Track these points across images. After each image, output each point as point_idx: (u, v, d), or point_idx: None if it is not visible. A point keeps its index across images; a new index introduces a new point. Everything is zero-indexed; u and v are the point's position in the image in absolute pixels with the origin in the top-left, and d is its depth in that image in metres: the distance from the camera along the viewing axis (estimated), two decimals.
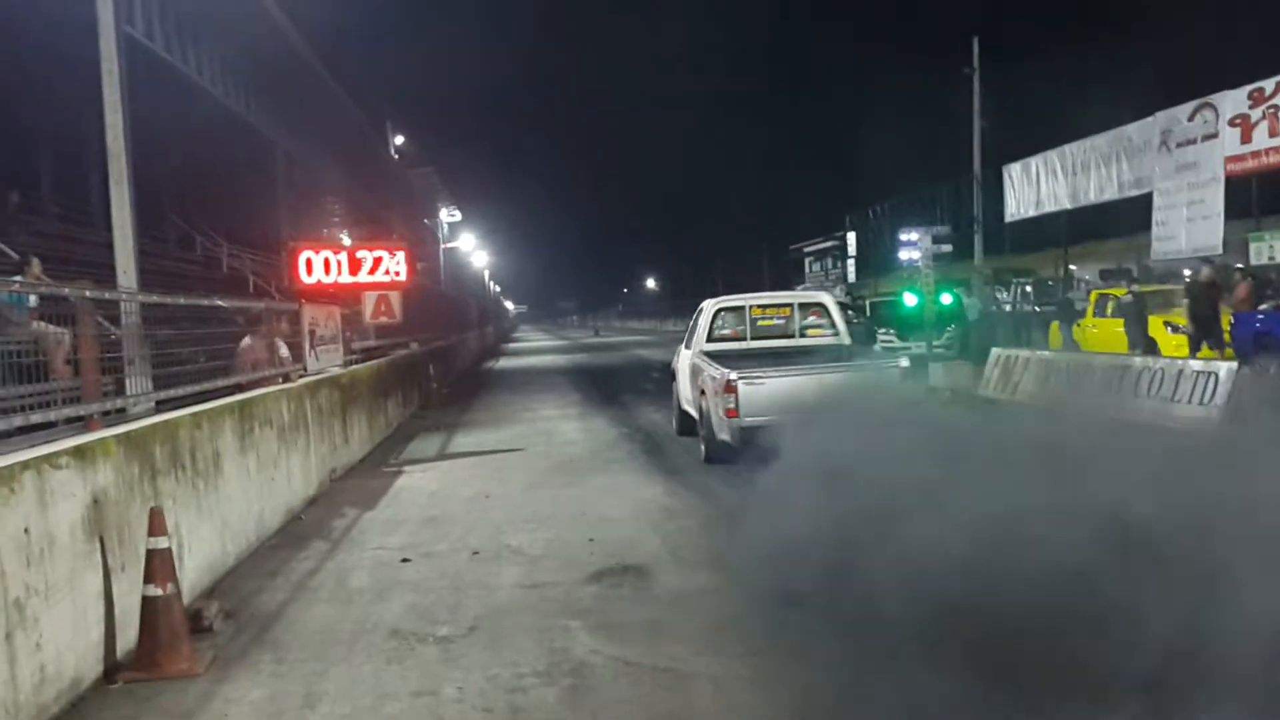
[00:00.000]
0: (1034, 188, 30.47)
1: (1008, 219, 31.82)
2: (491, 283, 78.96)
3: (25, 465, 5.54)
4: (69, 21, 15.46)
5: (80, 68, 15.58)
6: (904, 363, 13.51)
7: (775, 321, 15.25)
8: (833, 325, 15.15)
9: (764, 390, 12.15)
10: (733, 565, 7.80)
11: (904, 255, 23.81)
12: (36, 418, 6.42)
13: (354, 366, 16.28)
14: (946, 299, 24.87)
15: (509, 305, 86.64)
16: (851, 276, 40.81)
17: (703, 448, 13.37)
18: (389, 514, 11.38)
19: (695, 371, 14.40)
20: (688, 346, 15.58)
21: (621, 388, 25.75)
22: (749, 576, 7.25)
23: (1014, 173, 31.51)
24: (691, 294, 42.71)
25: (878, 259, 36.46)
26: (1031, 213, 30.93)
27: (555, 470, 13.63)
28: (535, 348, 66.64)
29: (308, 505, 11.74)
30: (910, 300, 24.08)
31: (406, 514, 11.28)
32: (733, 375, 12.32)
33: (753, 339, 14.98)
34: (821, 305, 15.67)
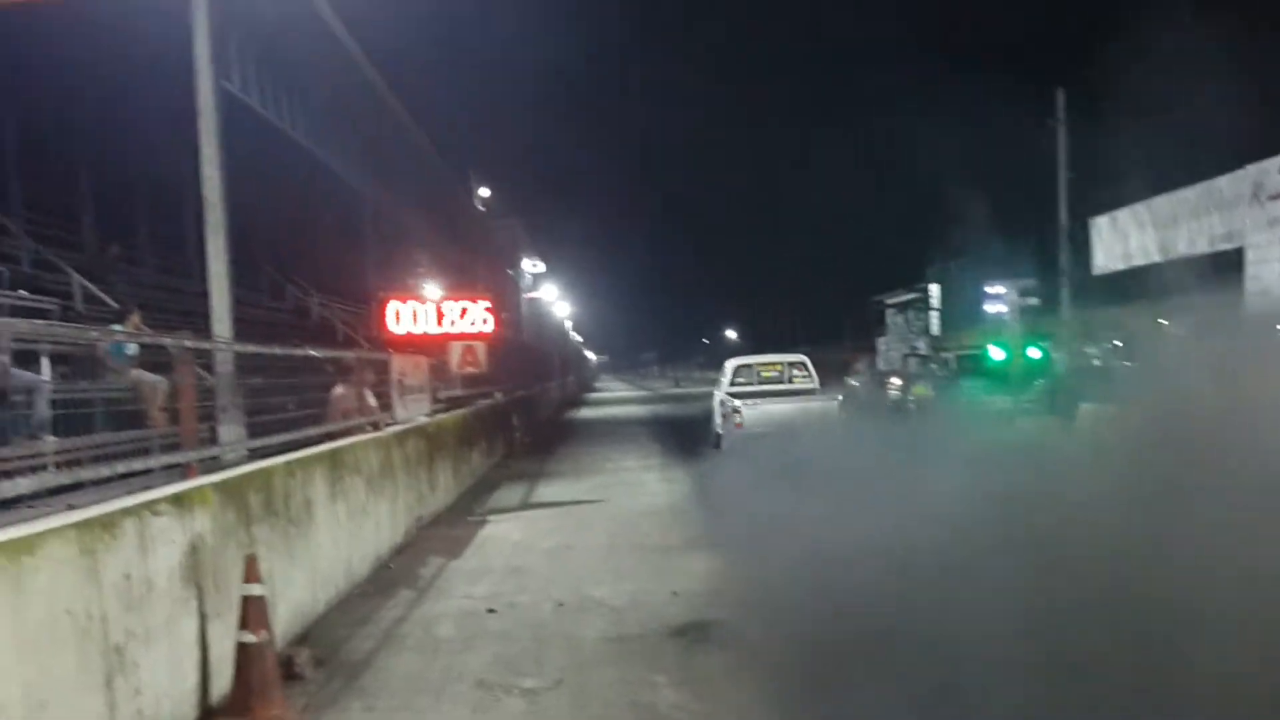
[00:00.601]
0: (1122, 240, 29.97)
1: (1095, 272, 31.29)
2: (573, 333, 79.44)
3: (127, 512, 5.68)
4: (168, 78, 15.98)
5: (178, 122, 16.06)
6: (839, 398, 21.22)
7: (772, 373, 22.38)
8: (809, 376, 22.19)
9: (758, 412, 19.26)
10: (813, 616, 7.72)
11: (990, 308, 23.52)
12: (138, 465, 6.58)
13: (440, 416, 16.46)
14: (1034, 353, 24.47)
15: (590, 355, 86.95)
16: (935, 329, 40.32)
17: (721, 445, 20.51)
18: (474, 563, 11.45)
19: (721, 404, 21.40)
20: (718, 390, 22.60)
21: (701, 439, 25.70)
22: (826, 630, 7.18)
23: (1101, 225, 31.02)
24: (771, 345, 42.48)
25: (962, 312, 36.07)
26: (1120, 266, 30.39)
27: (637, 522, 13.63)
28: (616, 398, 66.80)
29: (395, 553, 11.86)
30: (997, 354, 23.75)
31: (491, 564, 11.34)
32: (738, 402, 19.73)
33: (758, 384, 21.85)
34: (803, 362, 22.66)
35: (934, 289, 40.79)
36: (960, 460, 9.68)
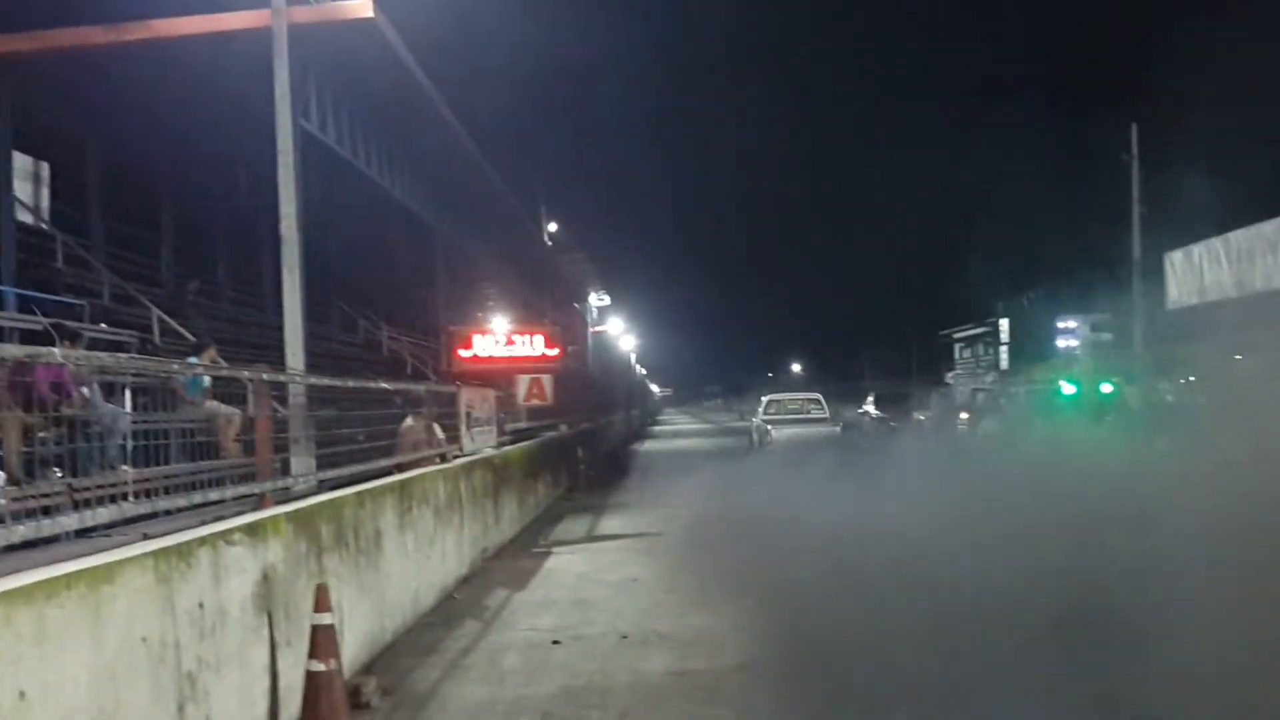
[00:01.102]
0: (1197, 275, 29.53)
1: (1169, 307, 30.84)
2: (638, 365, 79.58)
3: (201, 541, 5.80)
4: (246, 116, 16.40)
5: (255, 160, 16.48)
6: (839, 425, 30.99)
7: (795, 405, 32.19)
8: (822, 408, 31.66)
9: (782, 433, 29.03)
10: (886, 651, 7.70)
11: (1061, 343, 23.24)
12: (214, 495, 6.72)
13: (506, 448, 16.59)
14: (1106, 388, 24.12)
15: (654, 388, 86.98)
16: (1004, 363, 39.87)
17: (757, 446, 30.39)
18: (539, 595, 11.50)
19: (757, 426, 31.74)
20: (756, 416, 33.30)
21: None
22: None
23: (1175, 260, 30.60)
24: (836, 379, 42.27)
25: (1033, 346, 35.63)
26: (1194, 301, 29.92)
27: (701, 555, 13.57)
28: (680, 430, 66.69)
29: (460, 584, 11.95)
30: (1068, 389, 23.43)
31: (556, 595, 11.38)
32: (769, 427, 30.35)
33: (784, 414, 31.37)
34: (818, 399, 32.64)
35: (1003, 323, 40.39)
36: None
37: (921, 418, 31.72)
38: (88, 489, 7.47)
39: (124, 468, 8.68)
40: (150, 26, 16.49)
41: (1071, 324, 22.66)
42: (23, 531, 4.60)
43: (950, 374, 43.22)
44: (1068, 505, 12.22)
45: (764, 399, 33.80)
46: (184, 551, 5.54)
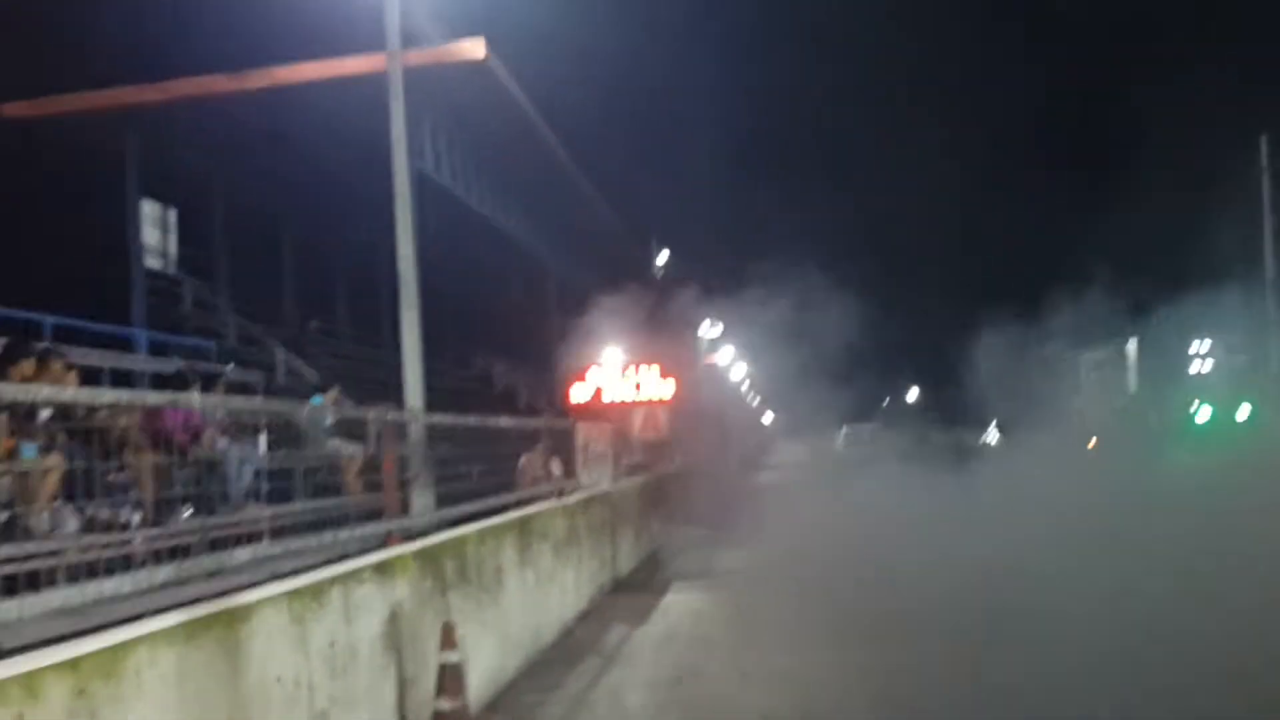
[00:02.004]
0: None
1: None
2: (750, 394, 79.17)
3: (334, 580, 5.88)
4: (363, 159, 16.77)
5: (372, 201, 16.84)
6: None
7: (861, 432, 47.62)
8: (872, 434, 44.51)
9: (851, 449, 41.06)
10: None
11: (1194, 367, 22.48)
12: (344, 534, 6.80)
13: (622, 482, 16.59)
14: (1243, 413, 23.20)
15: (769, 415, 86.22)
16: (1132, 386, 38.69)
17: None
18: (658, 631, 11.44)
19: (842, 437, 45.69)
20: (838, 436, 46.75)
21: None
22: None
23: None
24: (952, 407, 41.42)
25: (1163, 369, 34.50)
26: None
27: (821, 589, 13.33)
28: (792, 461, 66.10)
29: (580, 620, 11.94)
30: (1203, 414, 22.60)
31: (675, 632, 11.31)
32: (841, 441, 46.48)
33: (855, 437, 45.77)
34: (873, 426, 47.66)
35: (1131, 345, 39.21)
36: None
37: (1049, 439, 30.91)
38: (221, 527, 7.70)
39: (253, 505, 8.91)
40: (271, 73, 17.05)
41: (1205, 346, 21.86)
42: (165, 574, 4.69)
43: (1076, 398, 42.03)
44: (1215, 537, 11.76)
45: (843, 429, 48.81)
46: (317, 591, 5.62)
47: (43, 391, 4.74)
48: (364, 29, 14.80)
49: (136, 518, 7.10)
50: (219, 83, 16.94)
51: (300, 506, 8.85)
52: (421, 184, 16.19)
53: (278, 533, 7.24)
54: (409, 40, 14.53)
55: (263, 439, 7.81)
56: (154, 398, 5.39)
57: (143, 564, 4.86)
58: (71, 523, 7.05)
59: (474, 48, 16.97)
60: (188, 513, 7.39)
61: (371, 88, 15.13)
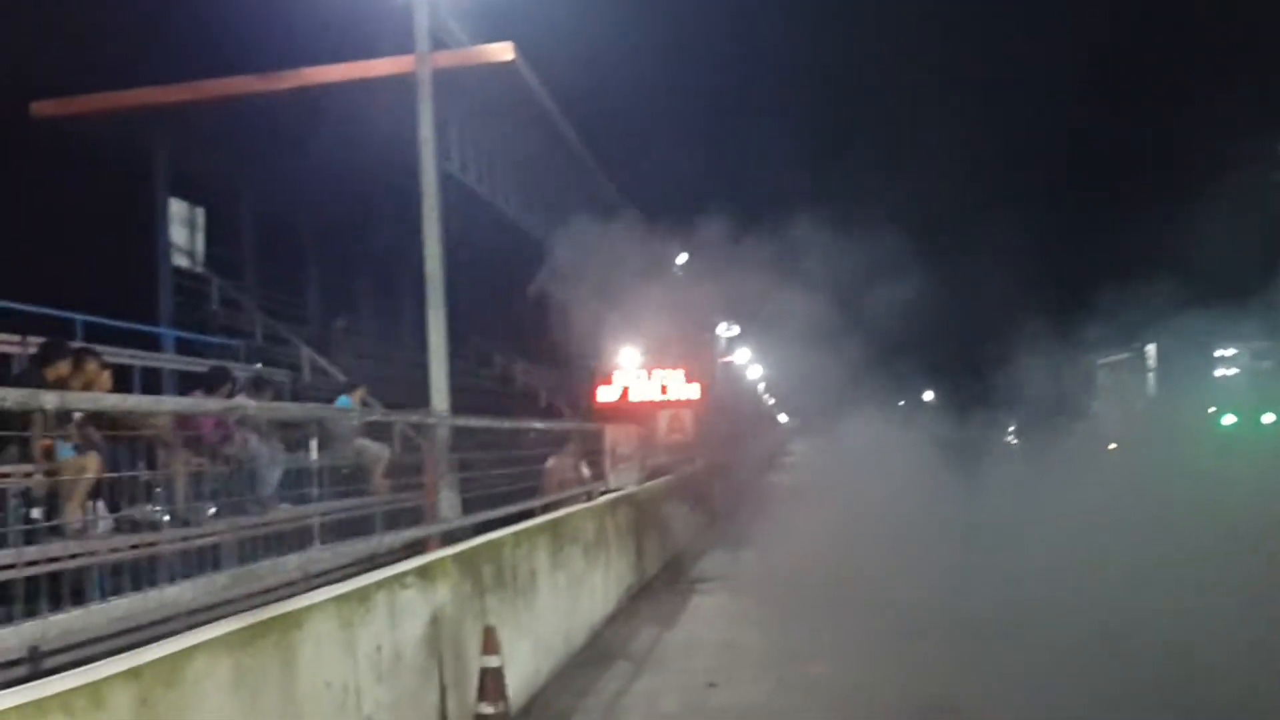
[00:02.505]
0: None
1: None
2: (766, 395, 79.11)
3: (379, 585, 5.89)
4: (387, 160, 16.80)
5: (396, 201, 16.87)
6: None
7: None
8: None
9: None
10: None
11: (1220, 371, 22.36)
12: (389, 539, 6.81)
13: (648, 484, 16.58)
14: (1268, 418, 23.08)
15: (783, 417, 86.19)
16: (1152, 391, 38.46)
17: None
18: (686, 634, 11.43)
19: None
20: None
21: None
22: None
23: None
24: (969, 408, 41.16)
25: (1185, 374, 34.30)
26: None
27: (847, 592, 13.27)
28: (809, 463, 65.96)
29: (608, 623, 11.94)
30: (1228, 419, 22.50)
31: (704, 635, 11.30)
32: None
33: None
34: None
35: (1150, 349, 38.98)
36: None
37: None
38: (251, 526, 7.73)
39: (283, 506, 8.94)
40: (301, 75, 17.10)
41: (1231, 351, 21.73)
42: (222, 582, 4.71)
43: (1094, 402, 41.78)
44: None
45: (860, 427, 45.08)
46: (363, 596, 5.63)
47: (108, 400, 4.72)
48: (389, 30, 14.85)
49: (168, 518, 7.14)
50: (248, 83, 17.01)
51: (327, 505, 8.84)
52: (445, 183, 16.18)
53: (306, 533, 7.26)
54: (437, 42, 14.55)
55: (314, 444, 7.77)
56: (214, 405, 5.38)
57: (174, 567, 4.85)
58: (104, 522, 7.10)
59: (502, 50, 17.00)
60: (211, 511, 7.42)
61: (397, 89, 15.17)
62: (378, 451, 11.02)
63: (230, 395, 9.39)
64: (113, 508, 7.04)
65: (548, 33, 18.34)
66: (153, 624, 5.05)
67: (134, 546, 6.63)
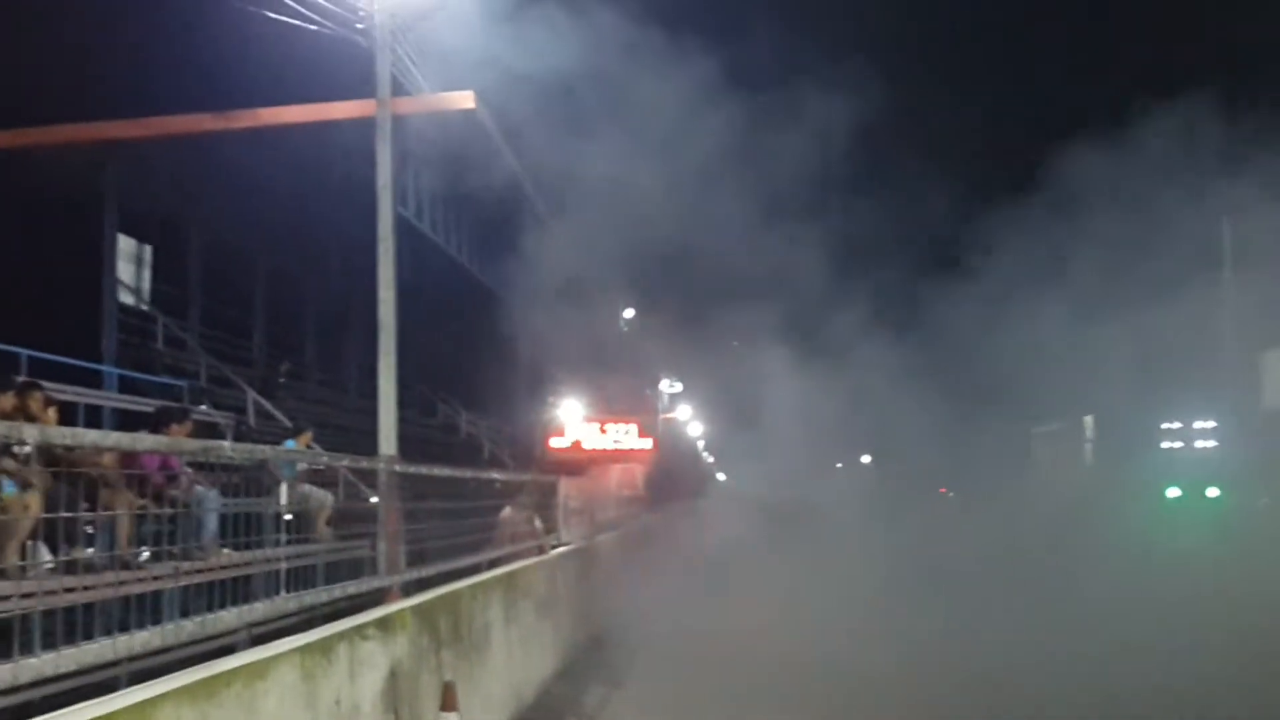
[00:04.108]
0: None
1: (1265, 409, 29.83)
2: (705, 453, 79.12)
3: (340, 636, 5.70)
4: (341, 203, 16.66)
5: (346, 246, 16.71)
6: None
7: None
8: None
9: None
10: None
11: (1166, 444, 22.69)
12: (351, 588, 6.62)
13: (598, 537, 16.41)
14: (1213, 492, 23.36)
15: (720, 476, 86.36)
16: (1088, 461, 38.99)
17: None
18: (640, 693, 11.24)
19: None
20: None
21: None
22: None
23: (1272, 361, 29.70)
24: (904, 473, 41.56)
25: (1122, 445, 34.78)
26: None
27: (785, 649, 13.11)
28: (747, 520, 65.90)
29: (557, 679, 11.70)
30: (1173, 492, 22.75)
31: (657, 695, 11.12)
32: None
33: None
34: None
35: (1088, 420, 39.53)
36: None
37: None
38: (190, 572, 7.45)
39: (226, 552, 8.66)
40: (257, 114, 16.91)
41: (1176, 425, 22.08)
42: (190, 629, 4.51)
43: (1029, 470, 42.29)
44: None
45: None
46: (325, 647, 5.45)
47: (88, 436, 4.54)
48: (346, 73, 14.72)
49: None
50: (202, 121, 16.76)
51: (272, 552, 8.58)
52: (400, 229, 16.04)
53: (247, 580, 7.01)
54: (396, 87, 14.44)
55: (283, 489, 7.54)
56: (191, 444, 5.20)
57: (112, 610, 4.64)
58: (46, 562, 6.81)
59: (464, 97, 16.96)
60: (145, 555, 7.13)
61: (353, 132, 15.05)
62: (321, 498, 10.77)
63: (193, 435, 9.14)
64: (51, 549, 6.77)
65: (512, 84, 18.31)
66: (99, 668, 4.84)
67: (70, 590, 6.36)
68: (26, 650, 4.21)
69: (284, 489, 7.68)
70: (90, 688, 4.82)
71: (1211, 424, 22.14)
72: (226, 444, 5.68)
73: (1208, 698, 9.67)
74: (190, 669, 4.29)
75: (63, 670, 3.95)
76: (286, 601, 5.76)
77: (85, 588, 6.35)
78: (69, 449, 6.61)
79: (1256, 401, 30.16)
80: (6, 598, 6.01)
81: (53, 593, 6.18)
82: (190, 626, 4.54)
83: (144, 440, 5.15)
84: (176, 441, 5.47)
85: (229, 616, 4.97)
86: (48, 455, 6.87)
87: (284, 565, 7.41)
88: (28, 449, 6.86)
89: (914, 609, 15.45)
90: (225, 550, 8.65)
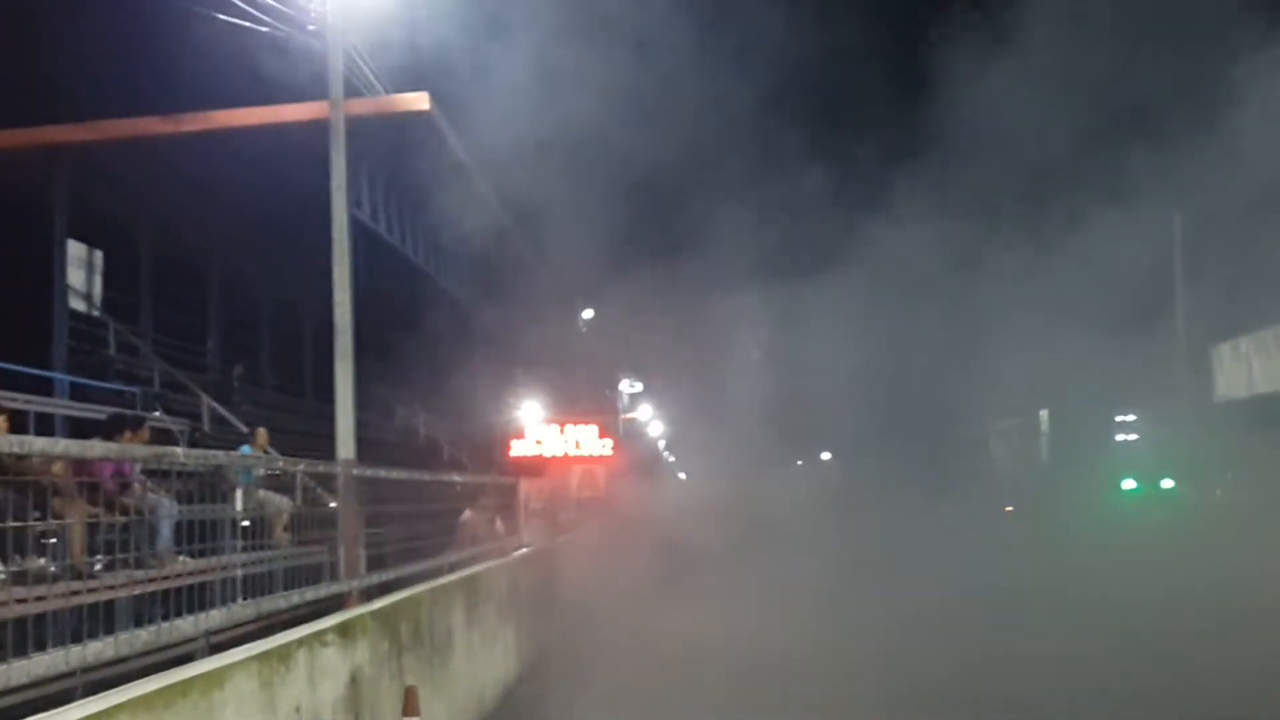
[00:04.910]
0: (1245, 368, 29.03)
1: (1217, 399, 30.25)
2: (666, 454, 79.21)
3: (300, 643, 5.64)
4: (294, 206, 16.46)
5: (300, 249, 16.52)
6: None
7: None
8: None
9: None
10: None
11: (1120, 436, 22.96)
12: (311, 594, 6.55)
13: (560, 539, 16.37)
14: (1167, 484, 23.67)
15: (681, 476, 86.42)
16: (1045, 456, 39.33)
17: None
18: (602, 692, 11.18)
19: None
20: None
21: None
22: None
23: (1223, 353, 30.11)
24: (864, 467, 41.75)
25: (1079, 439, 35.11)
26: (1243, 394, 29.33)
27: (753, 655, 13.13)
28: (709, 520, 66.01)
29: (521, 681, 11.66)
30: (1128, 484, 23.03)
31: (620, 694, 11.06)
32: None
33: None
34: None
35: (1044, 414, 39.88)
36: None
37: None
38: (147, 581, 7.34)
39: (183, 559, 8.55)
40: (208, 117, 16.70)
41: (1130, 417, 22.36)
42: (145, 639, 4.44)
43: (986, 465, 42.60)
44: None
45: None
46: (284, 654, 5.39)
47: (38, 444, 4.46)
48: (299, 74, 14.57)
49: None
50: (153, 125, 16.53)
51: (230, 559, 8.48)
52: (354, 230, 15.89)
53: (204, 588, 6.92)
54: (350, 89, 14.31)
55: (239, 494, 7.45)
56: (142, 451, 5.12)
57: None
58: None
59: (418, 99, 16.84)
60: (98, 565, 7.02)
61: (308, 133, 14.87)
62: (278, 503, 10.64)
63: (148, 442, 9.00)
64: (1, 559, 6.64)
65: (468, 85, 18.21)
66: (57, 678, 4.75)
67: (20, 601, 6.25)
68: None
69: (240, 494, 7.50)
70: (45, 700, 4.72)
71: (1140, 416, 22.32)
72: (179, 450, 5.60)
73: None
74: (147, 679, 4.22)
75: (14, 684, 3.86)
76: (244, 608, 5.69)
77: (37, 598, 6.24)
78: (19, 458, 6.52)
79: (1209, 394, 30.58)
80: None
81: (3, 604, 6.12)
82: (145, 636, 4.47)
83: (95, 448, 5.05)
84: (128, 448, 5.39)
85: (185, 625, 4.90)
86: None
87: (241, 572, 7.33)
88: None
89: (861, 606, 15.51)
90: (181, 558, 8.58)
